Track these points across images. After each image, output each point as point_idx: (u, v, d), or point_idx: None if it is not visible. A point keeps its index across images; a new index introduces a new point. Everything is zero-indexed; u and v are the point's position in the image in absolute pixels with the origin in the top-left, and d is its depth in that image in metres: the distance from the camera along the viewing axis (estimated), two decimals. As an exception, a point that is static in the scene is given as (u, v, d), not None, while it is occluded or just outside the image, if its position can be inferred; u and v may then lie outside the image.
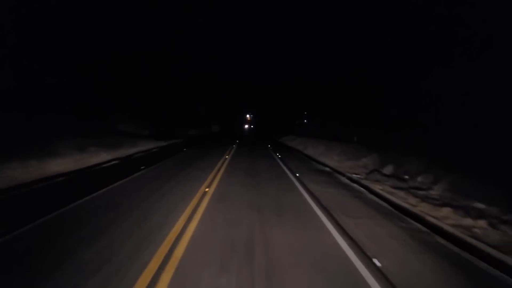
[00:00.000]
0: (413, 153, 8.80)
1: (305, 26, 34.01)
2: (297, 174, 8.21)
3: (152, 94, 23.53)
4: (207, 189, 5.78)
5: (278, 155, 13.10)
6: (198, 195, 5.30)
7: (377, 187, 6.59)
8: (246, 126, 65.84)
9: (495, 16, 9.52)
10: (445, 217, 4.52)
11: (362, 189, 6.83)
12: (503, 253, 3.20)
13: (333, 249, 3.28)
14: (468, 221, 4.29)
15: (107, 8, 16.54)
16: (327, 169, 9.85)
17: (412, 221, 4.49)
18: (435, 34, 12.02)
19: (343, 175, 8.49)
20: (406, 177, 7.60)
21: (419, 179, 7.13)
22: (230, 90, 51.76)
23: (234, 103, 55.67)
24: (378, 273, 2.78)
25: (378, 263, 2.96)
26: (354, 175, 8.14)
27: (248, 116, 66.98)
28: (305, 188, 6.44)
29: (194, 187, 5.92)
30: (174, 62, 28.70)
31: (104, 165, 8.02)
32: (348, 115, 20.75)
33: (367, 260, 3.03)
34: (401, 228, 4.16)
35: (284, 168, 9.48)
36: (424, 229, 4.18)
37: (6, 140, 7.60)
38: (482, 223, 4.19)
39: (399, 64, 14.71)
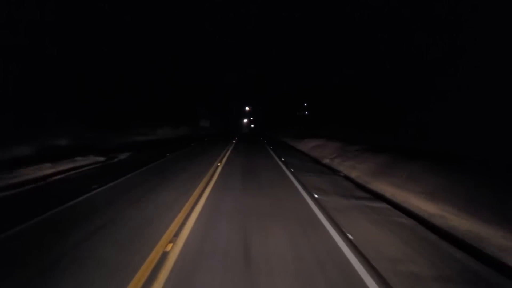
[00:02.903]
0: None
1: (305, 28, 33.88)
2: None
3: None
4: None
5: None
6: None
7: None
8: (246, 120, 64.23)
9: (495, 16, 9.54)
10: None
11: None
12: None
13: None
14: None
15: (108, 9, 16.51)
16: None
17: None
18: (437, 35, 12.06)
19: None
20: None
21: None
22: (231, 88, 51.54)
23: (233, 101, 55.38)
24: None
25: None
26: None
27: (247, 108, 64.54)
28: None
29: None
30: (174, 63, 28.50)
31: None
32: (349, 115, 20.62)
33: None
34: None
35: None
36: None
37: None
38: None
39: (399, 64, 14.72)
